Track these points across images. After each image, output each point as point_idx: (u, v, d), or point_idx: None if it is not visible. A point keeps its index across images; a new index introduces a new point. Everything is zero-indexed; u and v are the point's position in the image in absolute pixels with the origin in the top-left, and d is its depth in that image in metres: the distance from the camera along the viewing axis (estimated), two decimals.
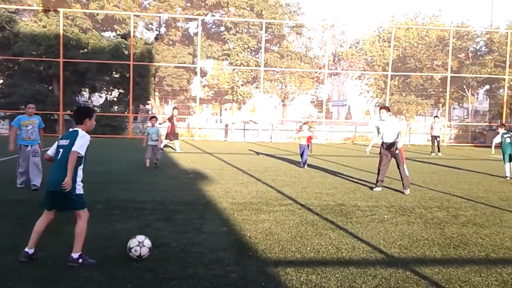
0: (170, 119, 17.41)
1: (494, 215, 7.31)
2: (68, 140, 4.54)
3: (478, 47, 34.61)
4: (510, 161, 11.97)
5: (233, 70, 32.58)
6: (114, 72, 29.90)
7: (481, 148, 24.97)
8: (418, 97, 33.87)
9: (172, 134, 17.23)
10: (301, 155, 13.16)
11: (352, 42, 39.50)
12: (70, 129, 4.75)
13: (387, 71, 27.72)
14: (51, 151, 4.68)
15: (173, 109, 18.42)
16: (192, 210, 7.05)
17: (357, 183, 10.39)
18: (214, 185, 9.46)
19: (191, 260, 4.72)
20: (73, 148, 4.43)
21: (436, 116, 20.99)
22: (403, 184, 9.22)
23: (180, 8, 33.42)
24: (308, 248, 5.21)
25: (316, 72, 35.65)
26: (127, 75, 26.30)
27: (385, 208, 7.63)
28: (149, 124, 13.33)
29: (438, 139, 19.98)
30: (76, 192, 4.48)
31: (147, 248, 4.59)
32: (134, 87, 25.62)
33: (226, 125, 29.84)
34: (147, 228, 5.92)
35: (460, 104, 39.20)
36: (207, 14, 33.58)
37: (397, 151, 9.16)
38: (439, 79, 33.06)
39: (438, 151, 19.72)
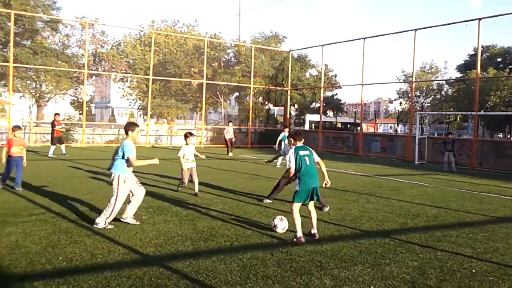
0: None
1: (239, 208, 8.28)
2: (308, 151, 6.31)
3: (228, 58, 38.33)
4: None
5: None
6: None
7: (235, 148, 27.69)
8: (178, 101, 35.48)
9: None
10: (11, 171, 9.49)
11: (114, 44, 38.78)
12: (300, 145, 6.39)
13: (149, 75, 28.21)
14: (293, 164, 6.17)
15: (55, 115, 19.57)
16: None
17: None
18: None
19: None
20: (316, 157, 6.40)
21: (230, 121, 24.08)
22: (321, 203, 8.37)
23: None
24: (60, 258, 4.98)
25: (75, 72, 33.66)
26: None
27: (144, 209, 7.81)
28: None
29: (232, 140, 22.78)
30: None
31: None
32: None
33: None
34: None
35: (215, 109, 42.70)
36: None
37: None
38: (196, 85, 35.32)
39: (230, 151, 22.25)
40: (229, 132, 22.75)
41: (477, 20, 20.37)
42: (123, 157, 6.53)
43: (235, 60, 37.13)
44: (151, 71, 27.70)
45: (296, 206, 6.16)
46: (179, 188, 9.83)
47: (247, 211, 8.05)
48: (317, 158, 6.45)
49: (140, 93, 37.75)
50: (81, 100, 39.69)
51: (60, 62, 32.72)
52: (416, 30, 23.00)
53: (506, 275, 5.04)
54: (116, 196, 6.53)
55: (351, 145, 28.17)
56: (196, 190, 9.49)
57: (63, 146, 18.88)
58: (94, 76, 40.27)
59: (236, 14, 42.32)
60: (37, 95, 36.10)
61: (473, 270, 5.17)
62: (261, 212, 8.01)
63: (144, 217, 7.17)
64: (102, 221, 6.44)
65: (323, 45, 29.23)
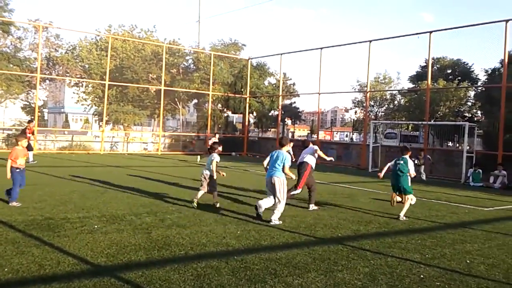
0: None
1: (195, 216, 8.22)
2: (402, 161, 9.12)
3: (187, 64, 38.06)
4: None
5: None
6: None
7: (191, 156, 27.53)
8: (135, 107, 34.88)
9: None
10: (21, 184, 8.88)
11: (68, 48, 37.69)
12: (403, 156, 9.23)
13: (105, 80, 27.62)
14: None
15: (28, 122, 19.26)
16: None
17: (70, 194, 10.02)
18: None
19: None
20: (409, 168, 9.12)
21: (216, 133, 23.95)
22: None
23: None
24: (6, 269, 4.78)
25: (27, 76, 32.49)
26: None
27: (97, 218, 7.63)
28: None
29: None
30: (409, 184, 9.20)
31: None
32: None
33: None
34: None
35: (173, 116, 42.23)
36: None
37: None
38: (154, 91, 34.83)
39: (201, 157, 22.33)
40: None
41: (428, 33, 21.23)
42: (283, 165, 7.98)
43: (194, 67, 36.90)
44: (107, 76, 27.15)
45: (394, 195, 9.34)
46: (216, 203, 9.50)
47: (203, 219, 8.01)
48: (408, 169, 9.07)
49: (96, 99, 36.81)
50: (33, 105, 38.36)
51: (11, 65, 31.50)
52: (370, 41, 23.70)
53: (453, 280, 5.24)
54: (283, 194, 7.99)
55: None
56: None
57: (31, 153, 18.14)
58: (47, 81, 39.00)
59: (196, 21, 42.19)
60: None
61: (421, 276, 5.35)
62: (217, 220, 7.99)
63: (96, 226, 6.99)
64: (277, 219, 7.90)
65: (281, 54, 29.62)
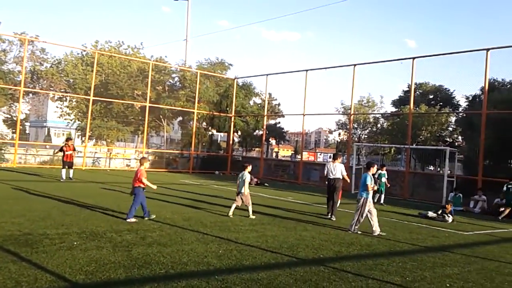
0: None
1: (177, 234, 8.15)
2: None
3: (173, 82, 38.12)
4: None
5: None
6: None
7: (174, 173, 27.36)
8: (119, 123, 34.66)
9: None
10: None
11: (53, 62, 37.48)
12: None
13: (89, 95, 27.46)
14: None
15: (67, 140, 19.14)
16: None
17: (49, 210, 9.86)
18: None
19: None
20: None
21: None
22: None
23: None
24: None
25: (10, 89, 32.15)
26: None
27: (76, 234, 7.51)
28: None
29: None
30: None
31: None
32: None
33: None
34: None
35: (157, 133, 42.02)
36: None
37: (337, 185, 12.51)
38: (139, 107, 34.72)
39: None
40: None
41: (411, 59, 21.68)
42: (365, 185, 9.79)
43: (180, 85, 36.95)
44: (92, 92, 27.00)
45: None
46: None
47: (185, 237, 7.95)
48: None
49: (80, 114, 36.51)
50: (15, 118, 37.84)
51: None
52: (355, 65, 24.09)
53: None
54: (362, 211, 9.76)
55: (291, 173, 28.63)
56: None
57: (71, 171, 18.27)
58: (30, 94, 38.61)
59: (183, 39, 42.37)
60: None
61: None
62: (198, 239, 7.93)
63: (75, 243, 6.88)
64: (378, 230, 9.78)
65: (267, 74, 29.89)
